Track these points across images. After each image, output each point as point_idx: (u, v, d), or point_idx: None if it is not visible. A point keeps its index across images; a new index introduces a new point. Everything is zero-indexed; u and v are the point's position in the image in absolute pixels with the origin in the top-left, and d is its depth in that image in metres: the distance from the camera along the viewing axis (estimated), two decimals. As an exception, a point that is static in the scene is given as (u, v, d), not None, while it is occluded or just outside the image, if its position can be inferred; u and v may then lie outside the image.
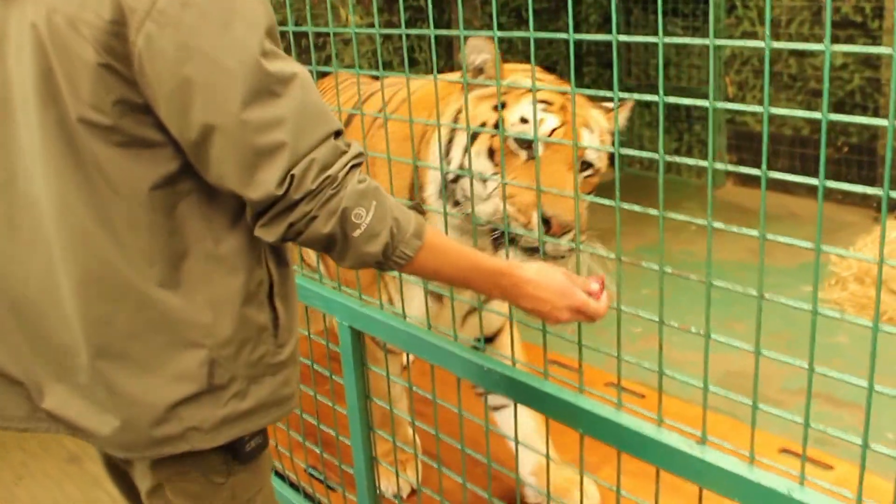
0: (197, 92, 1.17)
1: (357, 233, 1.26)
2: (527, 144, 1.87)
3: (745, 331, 1.31)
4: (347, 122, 2.34)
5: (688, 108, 5.91)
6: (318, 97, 1.27)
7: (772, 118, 5.66)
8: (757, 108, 1.28)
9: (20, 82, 1.23)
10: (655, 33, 1.31)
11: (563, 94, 1.93)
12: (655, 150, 1.69)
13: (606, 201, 1.52)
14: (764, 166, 1.27)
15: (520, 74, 2.03)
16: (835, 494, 1.30)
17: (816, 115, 1.19)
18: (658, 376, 1.52)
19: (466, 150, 1.87)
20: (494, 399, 2.33)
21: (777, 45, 1.21)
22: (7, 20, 1.23)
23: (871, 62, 5.26)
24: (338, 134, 1.26)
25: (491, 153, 1.93)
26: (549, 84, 1.95)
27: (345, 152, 1.26)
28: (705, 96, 1.25)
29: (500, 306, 1.91)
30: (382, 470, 2.31)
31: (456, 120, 2.02)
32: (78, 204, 1.25)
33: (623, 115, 2.00)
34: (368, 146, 2.02)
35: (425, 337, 1.96)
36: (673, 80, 6.06)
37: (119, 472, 1.57)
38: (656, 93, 1.35)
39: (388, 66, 5.59)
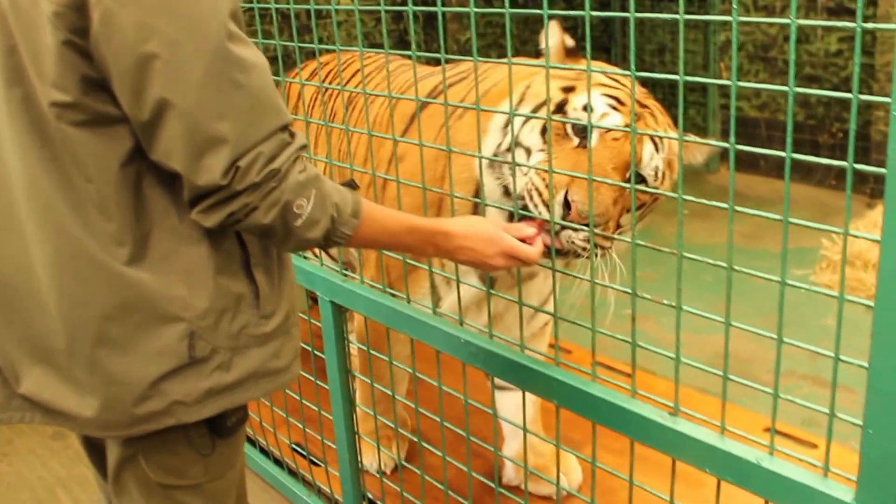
0: (155, 71, 1.15)
1: (298, 222, 1.27)
2: (582, 132, 1.77)
3: (736, 312, 1.31)
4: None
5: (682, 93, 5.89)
6: (274, 88, 1.26)
7: (767, 104, 5.64)
8: (726, 83, 1.28)
9: None
10: (652, 18, 1.31)
11: (644, 106, 1.84)
12: None
13: (622, 184, 1.53)
14: (732, 139, 1.26)
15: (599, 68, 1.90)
16: (802, 463, 1.30)
17: (784, 88, 1.18)
18: (631, 348, 1.52)
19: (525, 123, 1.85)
20: (500, 380, 2.33)
21: (743, 18, 1.21)
22: None
23: (866, 48, 5.24)
24: (284, 128, 1.25)
25: (544, 130, 1.82)
26: (623, 88, 1.85)
27: (289, 144, 1.25)
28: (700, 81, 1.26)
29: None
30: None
31: (523, 97, 1.92)
32: (46, 185, 1.24)
33: (698, 154, 1.89)
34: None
35: (404, 310, 1.96)
36: (668, 66, 6.05)
37: (95, 447, 1.55)
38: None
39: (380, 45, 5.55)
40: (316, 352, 2.33)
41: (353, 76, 2.75)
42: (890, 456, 1.16)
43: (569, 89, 1.83)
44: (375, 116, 2.36)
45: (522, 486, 2.39)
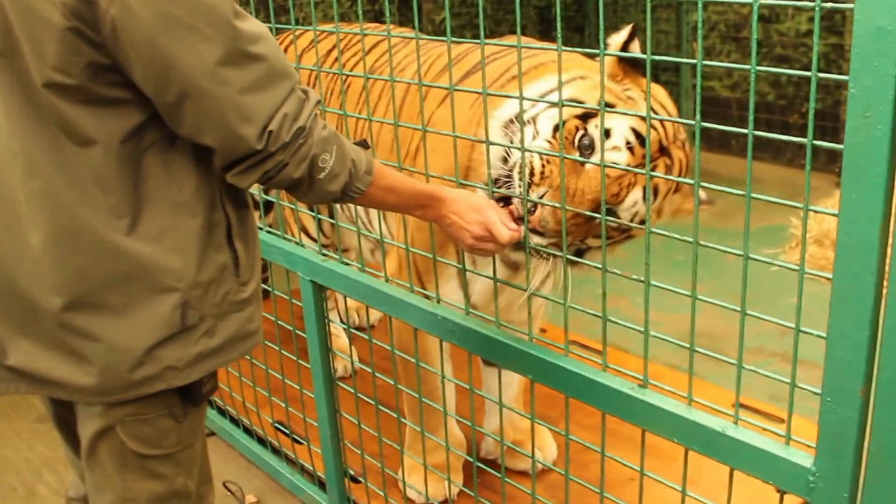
0: (175, 57, 1.22)
1: (322, 175, 1.37)
2: (585, 150, 1.71)
3: (708, 291, 1.33)
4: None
5: (655, 74, 5.91)
6: (280, 51, 1.33)
7: (739, 84, 5.62)
8: (691, 61, 1.30)
9: None
10: None
11: (667, 154, 1.75)
12: None
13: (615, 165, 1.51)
14: (698, 117, 1.29)
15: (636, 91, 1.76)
16: (764, 432, 1.34)
17: (745, 66, 1.21)
18: (602, 323, 1.55)
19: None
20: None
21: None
22: None
23: (836, 29, 5.28)
24: (295, 85, 1.33)
25: (557, 128, 1.73)
26: (659, 130, 1.75)
27: (306, 101, 1.33)
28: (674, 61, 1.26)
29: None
30: (336, 357, 2.33)
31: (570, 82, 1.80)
32: (45, 163, 1.29)
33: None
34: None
35: (381, 288, 1.98)
36: (642, 45, 6.03)
37: (67, 425, 1.57)
38: None
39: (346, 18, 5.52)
40: (298, 332, 2.34)
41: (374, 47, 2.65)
42: (846, 422, 1.20)
43: (609, 106, 1.64)
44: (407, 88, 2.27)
45: (500, 461, 2.44)
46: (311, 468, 2.53)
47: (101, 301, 1.33)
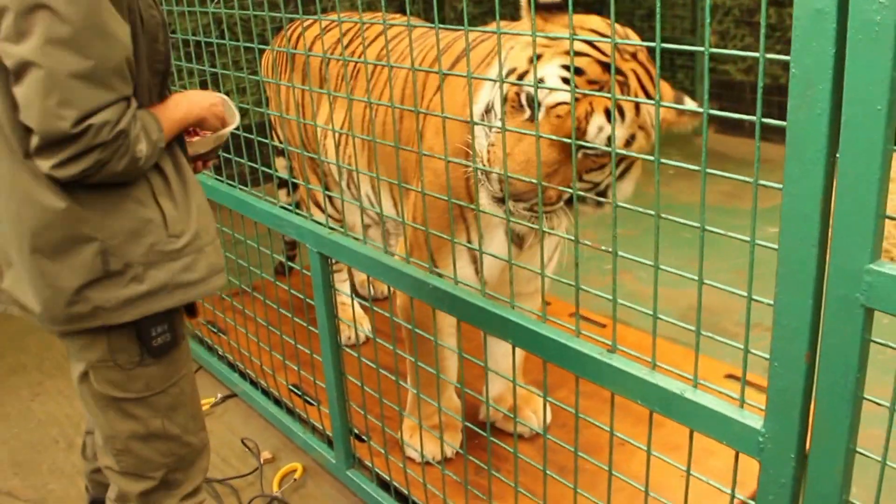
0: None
1: (142, 163, 1.44)
2: (528, 104, 1.72)
3: (711, 268, 1.31)
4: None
5: (671, 57, 5.83)
6: (119, 62, 1.38)
7: (752, 68, 5.52)
8: (651, 44, 1.30)
9: None
10: None
11: (619, 73, 1.72)
12: None
13: (605, 147, 1.52)
14: (706, 105, 1.29)
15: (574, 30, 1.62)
16: (720, 395, 1.35)
17: (699, 48, 1.21)
18: (575, 291, 1.56)
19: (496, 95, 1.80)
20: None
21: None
22: None
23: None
24: (127, 95, 1.41)
25: (506, 101, 1.75)
26: (594, 54, 1.71)
27: (127, 108, 1.40)
28: (689, 45, 1.22)
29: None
30: (342, 325, 2.39)
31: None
32: (5, 154, 1.45)
33: (686, 121, 1.76)
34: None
35: (381, 259, 2.02)
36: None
37: None
38: (644, 40, 1.35)
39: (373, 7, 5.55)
40: (308, 300, 2.40)
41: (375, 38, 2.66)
42: (792, 386, 1.21)
43: (539, 56, 1.71)
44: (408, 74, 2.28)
45: (497, 424, 2.48)
46: (321, 427, 2.59)
47: (35, 244, 1.46)
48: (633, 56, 1.77)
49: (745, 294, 1.27)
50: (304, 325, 2.44)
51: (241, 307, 2.95)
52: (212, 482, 2.57)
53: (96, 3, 1.32)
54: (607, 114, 1.69)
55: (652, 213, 1.35)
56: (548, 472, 1.74)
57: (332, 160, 2.61)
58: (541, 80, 1.68)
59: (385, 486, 2.36)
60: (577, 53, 1.70)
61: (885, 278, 1.07)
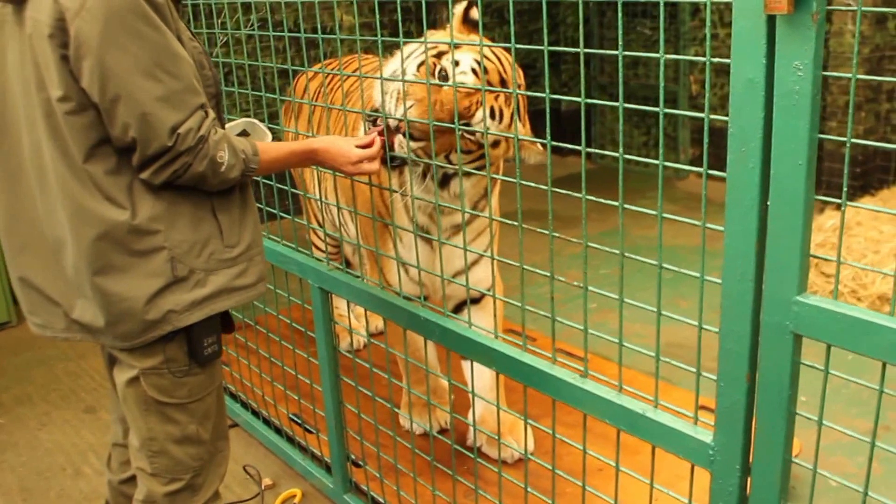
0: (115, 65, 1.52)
1: (223, 168, 1.63)
2: (444, 79, 2.16)
3: (689, 307, 1.44)
4: None
5: (656, 103, 6.04)
6: (192, 77, 1.59)
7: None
8: (573, 48, 1.48)
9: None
10: (627, 34, 1.50)
11: (503, 83, 2.20)
12: (627, 144, 1.84)
13: (575, 194, 1.64)
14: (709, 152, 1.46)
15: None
16: (678, 414, 1.52)
17: (656, 108, 1.40)
18: (551, 322, 1.73)
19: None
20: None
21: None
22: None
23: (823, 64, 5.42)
24: (203, 104, 1.61)
25: (418, 69, 2.24)
26: (495, 64, 2.23)
27: (206, 117, 1.59)
28: (672, 93, 1.41)
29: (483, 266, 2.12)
30: (339, 329, 2.59)
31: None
32: (60, 165, 1.60)
33: (535, 156, 2.25)
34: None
35: (376, 293, 2.19)
36: (642, 78, 6.21)
37: (113, 378, 1.88)
38: (627, 88, 1.55)
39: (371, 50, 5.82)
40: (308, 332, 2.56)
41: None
42: (736, 404, 1.38)
43: (457, 47, 2.20)
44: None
45: (483, 449, 2.63)
46: (319, 454, 2.73)
47: (110, 263, 1.61)
48: (519, 87, 2.25)
49: (696, 324, 1.44)
50: (305, 356, 2.60)
51: (243, 340, 3.10)
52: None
53: (163, 31, 1.53)
54: (492, 113, 2.20)
55: (618, 252, 1.53)
56: (529, 489, 1.89)
57: (313, 195, 2.86)
58: (457, 62, 2.17)
59: (379, 508, 2.50)
60: (487, 58, 2.19)
61: (809, 308, 1.25)
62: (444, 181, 2.36)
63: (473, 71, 2.17)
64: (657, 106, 1.43)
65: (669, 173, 5.66)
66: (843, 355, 1.24)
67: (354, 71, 2.49)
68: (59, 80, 1.53)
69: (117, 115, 1.53)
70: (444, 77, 2.17)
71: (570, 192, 1.64)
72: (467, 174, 2.30)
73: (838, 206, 4.73)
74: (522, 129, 2.28)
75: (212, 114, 1.63)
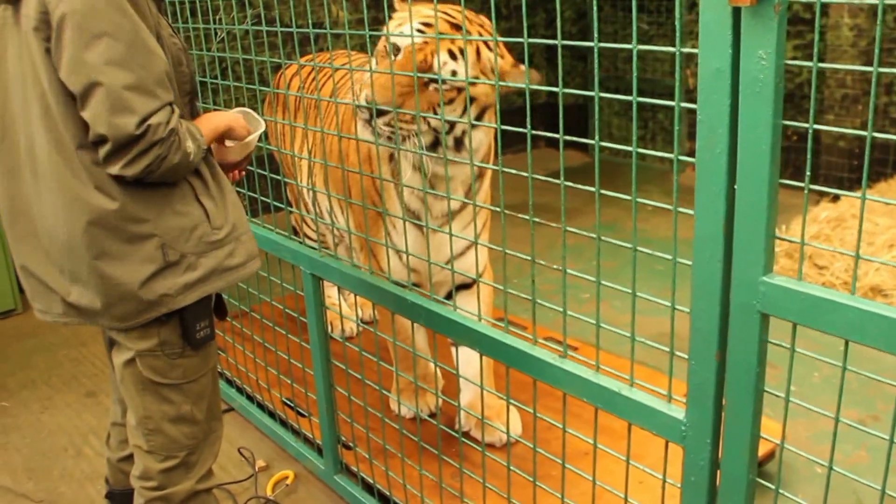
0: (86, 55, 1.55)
1: (192, 157, 1.66)
2: (395, 52, 2.27)
3: (680, 296, 1.46)
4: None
5: (653, 96, 6.07)
6: (161, 72, 1.61)
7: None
8: (551, 41, 1.52)
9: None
10: (624, 28, 1.55)
11: (457, 27, 2.28)
12: (623, 137, 1.88)
13: (581, 186, 1.64)
14: (676, 151, 1.51)
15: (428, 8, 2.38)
16: (652, 392, 1.56)
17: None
18: (531, 304, 1.78)
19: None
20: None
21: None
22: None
23: (820, 56, 5.45)
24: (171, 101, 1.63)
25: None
26: (442, 17, 2.30)
27: (173, 112, 1.61)
28: (669, 87, 1.44)
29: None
30: (332, 316, 2.63)
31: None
32: (54, 155, 1.64)
33: (519, 73, 2.26)
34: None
35: (365, 278, 2.24)
36: (639, 72, 6.22)
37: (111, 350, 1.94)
38: (623, 82, 1.58)
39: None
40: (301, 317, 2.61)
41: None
42: (706, 382, 1.42)
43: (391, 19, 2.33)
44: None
45: (472, 433, 2.68)
46: (311, 437, 2.78)
47: (106, 249, 1.66)
48: (480, 25, 2.35)
49: (669, 304, 1.48)
50: (298, 341, 2.65)
51: (239, 326, 3.15)
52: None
53: (138, 24, 1.57)
54: (451, 54, 2.24)
55: (594, 236, 1.57)
56: (511, 467, 1.94)
57: (304, 184, 2.91)
58: (401, 33, 2.25)
59: (369, 489, 2.55)
60: (430, 16, 2.28)
61: (775, 288, 1.29)
62: (457, 144, 2.39)
63: (420, 31, 2.24)
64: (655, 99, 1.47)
65: (666, 167, 5.68)
66: (835, 344, 1.26)
67: (343, 64, 2.54)
68: (47, 73, 1.58)
69: (88, 105, 1.55)
70: (396, 51, 2.26)
71: (582, 186, 1.63)
72: (474, 127, 2.36)
73: (834, 198, 4.78)
74: (503, 61, 2.31)
75: (177, 109, 1.65)
